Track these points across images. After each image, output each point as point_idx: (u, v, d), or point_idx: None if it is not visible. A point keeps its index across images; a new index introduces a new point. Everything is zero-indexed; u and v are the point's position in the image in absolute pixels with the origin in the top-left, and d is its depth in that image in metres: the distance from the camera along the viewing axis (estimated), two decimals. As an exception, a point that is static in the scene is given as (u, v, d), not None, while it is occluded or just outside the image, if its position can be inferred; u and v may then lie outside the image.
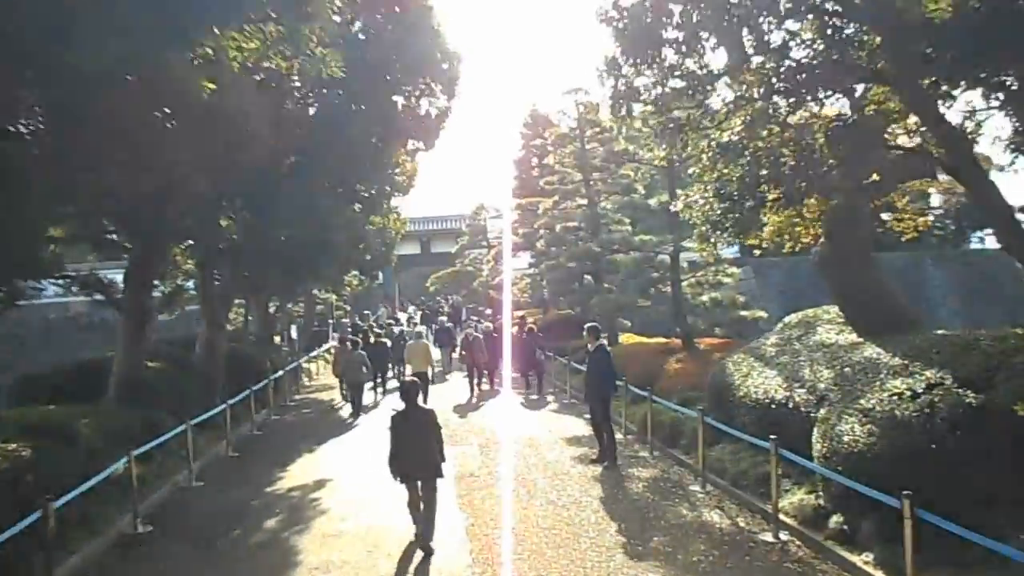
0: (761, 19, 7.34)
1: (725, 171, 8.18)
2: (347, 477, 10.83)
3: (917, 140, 9.04)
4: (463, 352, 20.12)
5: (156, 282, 17.19)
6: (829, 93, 7.68)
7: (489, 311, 33.31)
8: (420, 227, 47.15)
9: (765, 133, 7.50)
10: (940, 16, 6.38)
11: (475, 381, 19.14)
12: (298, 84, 13.77)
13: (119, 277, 13.42)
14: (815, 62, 7.12)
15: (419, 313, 39.71)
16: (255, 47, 7.81)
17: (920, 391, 6.66)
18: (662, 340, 18.64)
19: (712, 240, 9.76)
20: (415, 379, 9.35)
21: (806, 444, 7.69)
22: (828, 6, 7.48)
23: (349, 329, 28.76)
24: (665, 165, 17.94)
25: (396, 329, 26.67)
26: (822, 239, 10.09)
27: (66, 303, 30.78)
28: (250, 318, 26.33)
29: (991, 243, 39.40)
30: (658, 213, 20.85)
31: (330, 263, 19.56)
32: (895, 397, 6.80)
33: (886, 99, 8.40)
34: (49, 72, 6.69)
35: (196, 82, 6.99)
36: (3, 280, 8.89)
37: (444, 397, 17.88)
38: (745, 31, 7.43)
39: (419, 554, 7.37)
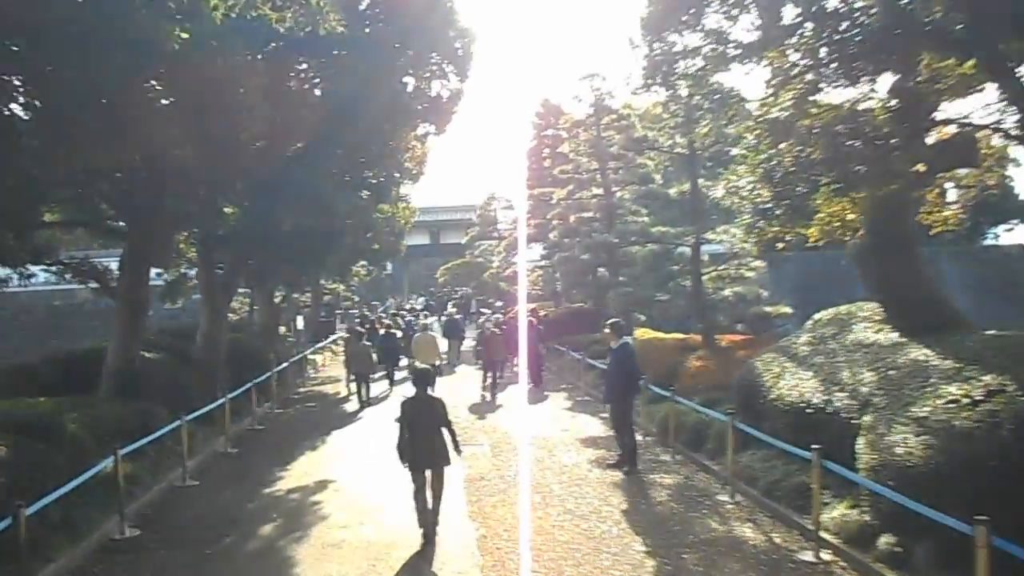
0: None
1: (773, 152, 7.41)
2: (350, 478, 10.24)
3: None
4: (479, 347, 19.49)
5: (159, 271, 16.66)
6: (886, 68, 6.91)
7: (500, 303, 32.75)
8: (430, 217, 46.52)
9: (815, 111, 6.76)
10: None
11: (488, 381, 17.58)
12: (304, 66, 13.14)
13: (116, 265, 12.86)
14: (873, 29, 6.35)
15: (425, 304, 39.23)
16: None
17: (979, 398, 6.13)
18: (679, 336, 17.87)
19: (758, 229, 8.91)
20: (428, 367, 8.72)
21: (846, 452, 7.10)
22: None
23: (357, 320, 28.28)
24: (686, 152, 17.25)
25: (407, 320, 26.16)
26: (860, 230, 9.38)
27: (72, 290, 30.47)
28: (255, 308, 25.80)
29: (1006, 239, 38.54)
30: (677, 203, 20.12)
31: (337, 252, 19.00)
32: (951, 404, 6.26)
33: (937, 75, 7.62)
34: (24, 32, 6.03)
35: (163, 30, 6.18)
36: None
37: (453, 390, 17.22)
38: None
39: (426, 571, 6.76)
